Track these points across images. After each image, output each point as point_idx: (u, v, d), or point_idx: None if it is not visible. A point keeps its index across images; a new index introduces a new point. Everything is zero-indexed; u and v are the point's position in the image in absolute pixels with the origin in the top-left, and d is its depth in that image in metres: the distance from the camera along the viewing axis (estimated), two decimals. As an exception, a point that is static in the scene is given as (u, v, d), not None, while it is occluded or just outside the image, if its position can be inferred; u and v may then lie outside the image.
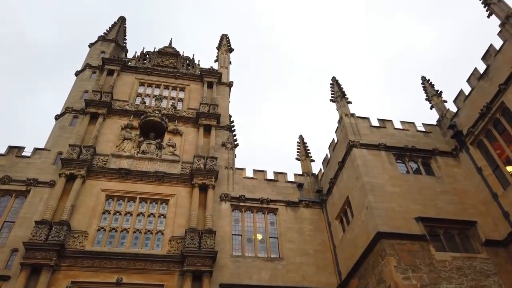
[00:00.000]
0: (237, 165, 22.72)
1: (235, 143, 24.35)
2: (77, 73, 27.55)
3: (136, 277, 16.35)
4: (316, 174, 23.45)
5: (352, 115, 19.92)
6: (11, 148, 20.45)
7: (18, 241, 16.43)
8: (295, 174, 22.94)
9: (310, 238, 19.67)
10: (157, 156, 21.57)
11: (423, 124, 20.14)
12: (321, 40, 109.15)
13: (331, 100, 21.63)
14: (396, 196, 15.83)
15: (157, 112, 23.41)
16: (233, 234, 19.17)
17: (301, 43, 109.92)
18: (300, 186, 22.04)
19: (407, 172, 17.47)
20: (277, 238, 19.54)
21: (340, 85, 22.10)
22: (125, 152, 21.37)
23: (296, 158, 24.96)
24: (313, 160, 24.55)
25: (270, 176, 22.35)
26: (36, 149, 20.73)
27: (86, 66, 27.44)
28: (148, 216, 18.90)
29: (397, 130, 19.52)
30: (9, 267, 15.86)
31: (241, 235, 19.35)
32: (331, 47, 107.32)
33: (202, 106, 24.77)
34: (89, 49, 30.16)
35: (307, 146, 25.48)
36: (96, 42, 30.41)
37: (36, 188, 18.87)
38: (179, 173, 20.70)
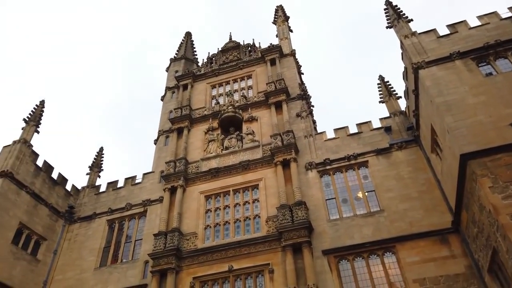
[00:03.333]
0: (319, 129, 22.13)
1: (310, 109, 23.66)
2: (162, 98, 30.70)
3: (244, 261, 17.50)
4: (404, 110, 21.09)
5: (413, 33, 17.23)
6: (126, 179, 24.13)
7: (146, 254, 19.36)
8: (380, 119, 21.07)
9: (411, 180, 17.85)
10: (239, 147, 22.55)
11: (509, 8, 16.15)
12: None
13: (387, 27, 19.14)
14: (481, 106, 13.18)
15: (230, 107, 24.41)
16: (326, 200, 18.77)
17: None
18: (387, 129, 20.16)
19: (493, 73, 14.32)
20: (374, 191, 18.33)
21: (395, 6, 19.35)
22: (212, 153, 22.94)
23: (380, 101, 22.85)
24: (400, 97, 22.09)
25: (353, 130, 21.03)
26: (144, 174, 23.98)
27: (166, 89, 30.34)
28: (244, 204, 19.96)
29: (473, 29, 16.10)
30: (146, 277, 18.86)
31: (334, 198, 18.79)
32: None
33: (269, 86, 24.77)
34: (166, 73, 33.24)
35: (389, 84, 23.03)
36: (169, 65, 33.29)
37: (151, 206, 21.89)
38: (261, 156, 21.24)
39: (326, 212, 18.19)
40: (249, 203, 19.94)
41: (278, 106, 23.57)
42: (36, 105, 23.94)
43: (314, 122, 25.53)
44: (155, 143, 27.18)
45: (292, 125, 22.28)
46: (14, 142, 21.56)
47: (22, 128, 22.56)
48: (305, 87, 27.66)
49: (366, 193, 18.43)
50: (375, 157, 19.36)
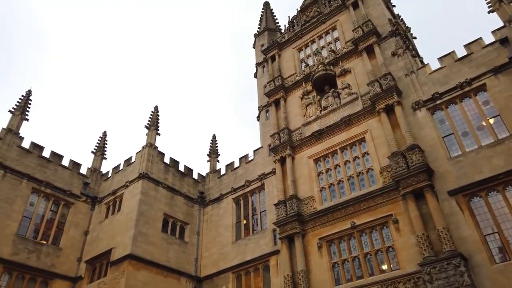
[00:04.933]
0: (425, 60, 20.01)
1: (407, 44, 21.49)
2: (255, 76, 31.51)
3: (365, 216, 17.34)
4: (523, 12, 17.57)
5: None
6: (240, 159, 25.82)
7: (272, 224, 20.68)
8: (492, 32, 18.00)
9: (546, 93, 15.04)
10: (337, 104, 21.96)
11: None
12: None
13: None
14: None
15: (320, 66, 23.75)
16: (443, 137, 17.15)
17: None
18: (504, 41, 17.15)
19: None
20: (499, 115, 16.01)
21: None
22: (311, 116, 22.86)
23: (489, 11, 19.39)
24: (514, -1, 18.44)
25: (461, 52, 18.51)
26: (254, 151, 25.31)
27: (256, 66, 31.00)
28: (354, 160, 19.57)
29: None
30: (276, 243, 20.22)
31: (452, 133, 17.03)
32: None
33: (355, 32, 23.24)
34: (254, 50, 33.82)
35: (498, -13, 19.34)
36: (254, 41, 33.76)
37: (266, 179, 23.12)
38: (362, 108, 20.36)
39: (445, 151, 16.67)
40: (358, 158, 19.47)
41: (370, 50, 22.04)
42: (152, 112, 27.06)
43: (416, 55, 23.08)
44: (258, 120, 28.27)
45: (389, 66, 20.68)
46: (143, 147, 24.93)
47: (146, 134, 25.87)
48: (399, 20, 25.14)
49: (490, 120, 16.23)
50: (494, 78, 16.79)
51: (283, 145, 22.30)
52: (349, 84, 22.11)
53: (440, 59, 19.09)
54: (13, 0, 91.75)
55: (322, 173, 20.41)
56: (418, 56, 25.05)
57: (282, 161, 22.12)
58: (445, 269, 13.58)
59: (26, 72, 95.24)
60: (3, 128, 22.38)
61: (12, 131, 22.62)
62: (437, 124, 17.62)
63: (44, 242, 21.65)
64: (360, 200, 17.70)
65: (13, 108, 23.66)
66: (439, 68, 18.82)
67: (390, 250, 16.26)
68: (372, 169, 18.49)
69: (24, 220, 21.25)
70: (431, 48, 71.86)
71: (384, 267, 16.15)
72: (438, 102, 17.93)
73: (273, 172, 22.77)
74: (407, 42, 22.04)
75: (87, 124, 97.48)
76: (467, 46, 18.45)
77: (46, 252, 21.23)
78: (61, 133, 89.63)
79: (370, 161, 18.85)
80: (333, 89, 22.82)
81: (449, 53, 18.86)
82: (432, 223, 15.03)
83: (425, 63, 21.50)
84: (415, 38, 27.35)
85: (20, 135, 22.96)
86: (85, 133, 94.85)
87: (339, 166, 19.90)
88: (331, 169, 20.17)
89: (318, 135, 21.31)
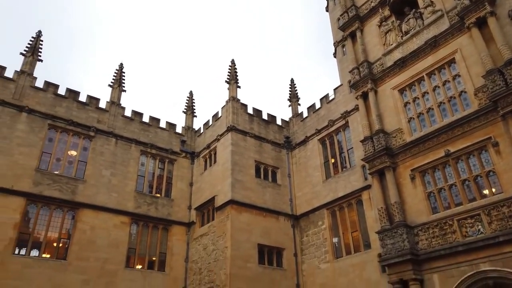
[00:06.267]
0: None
1: None
2: (327, 10, 30.06)
3: (460, 142, 16.51)
4: None
5: None
6: (321, 99, 25.71)
7: (360, 160, 20.80)
8: None
9: None
10: (420, 26, 20.24)
11: None
12: None
13: None
14: None
15: (396, -14, 21.83)
16: (549, 44, 15.01)
17: None
18: None
19: None
20: None
21: None
22: (392, 44, 21.49)
23: None
24: None
25: None
26: (334, 90, 24.96)
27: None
28: (443, 84, 18.31)
29: None
30: (366, 178, 20.45)
31: (562, 38, 14.79)
32: None
33: None
34: (322, -17, 31.86)
35: None
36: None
37: (350, 117, 22.91)
38: (449, 25, 18.54)
39: (552, 60, 14.68)
40: (448, 81, 18.14)
41: (453, -43, 19.42)
42: (230, 66, 27.93)
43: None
44: (334, 57, 27.41)
45: (478, -28, 18.13)
46: (226, 101, 26.25)
47: (228, 88, 27.04)
48: None
49: None
50: None
51: (363, 80, 21.62)
52: (432, 1, 20.06)
53: (544, -50, 16.16)
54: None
55: (409, 103, 19.55)
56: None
57: (365, 96, 21.58)
58: (556, 189, 12.63)
59: (109, 47, 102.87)
60: (107, 101, 25.38)
61: (115, 103, 25.55)
62: (542, 30, 15.42)
63: (158, 195, 24.94)
64: (454, 126, 16.78)
65: (111, 82, 26.43)
66: (544, -38, 16.01)
67: (490, 175, 15.50)
68: (465, 92, 17.18)
69: (139, 179, 24.55)
70: None
71: (486, 191, 15.54)
72: (543, 3, 15.51)
73: (356, 108, 22.42)
74: None
75: (170, 86, 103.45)
76: None
77: (162, 203, 24.52)
78: (148, 97, 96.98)
79: (462, 83, 17.48)
80: (414, 10, 20.97)
81: None
82: (539, 142, 13.81)
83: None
84: None
85: (122, 105, 25.85)
86: (170, 95, 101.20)
87: (427, 93, 18.82)
88: (418, 98, 19.19)
89: (401, 63, 20.15)
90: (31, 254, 19.29)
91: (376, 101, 20.87)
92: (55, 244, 20.28)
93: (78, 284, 19.50)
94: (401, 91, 20.08)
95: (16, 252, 18.89)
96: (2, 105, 21.05)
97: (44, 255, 19.64)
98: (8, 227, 18.80)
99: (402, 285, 16.27)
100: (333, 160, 23.82)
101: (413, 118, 19.10)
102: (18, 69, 22.59)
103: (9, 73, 22.13)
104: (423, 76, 19.11)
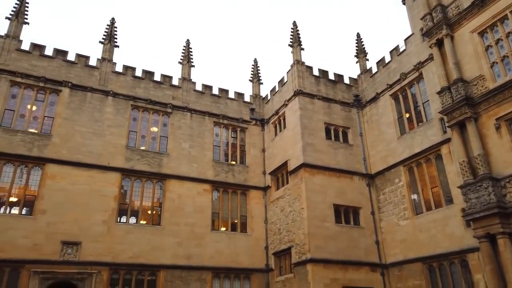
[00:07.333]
0: None
1: None
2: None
3: (554, 84, 14.83)
4: None
5: None
6: (391, 52, 24.39)
7: (437, 113, 19.71)
8: None
9: None
10: (502, -44, 17.94)
11: None
12: None
13: None
14: None
15: None
16: None
17: None
18: None
19: None
20: None
21: None
22: (469, -18, 19.43)
23: None
24: None
25: None
26: (405, 40, 23.48)
27: None
28: (533, 20, 16.31)
29: None
30: (445, 131, 19.42)
31: None
32: None
33: None
34: None
35: None
36: None
37: (424, 68, 21.60)
38: (539, -50, 16.19)
39: None
40: (539, 16, 16.11)
41: None
42: (292, 28, 27.48)
43: None
44: (403, 3, 25.49)
45: None
46: (291, 65, 26.17)
47: (291, 52, 26.82)
48: None
49: None
50: None
51: (438, 25, 20.01)
52: None
53: None
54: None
55: (491, 46, 17.82)
56: None
57: (439, 43, 20.04)
58: None
59: (173, 25, 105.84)
60: (179, 78, 26.85)
61: (186, 79, 26.93)
62: None
63: (234, 162, 26.32)
64: (546, 67, 15.10)
65: (180, 59, 27.75)
66: None
67: None
68: (560, 26, 15.19)
69: (215, 148, 26.06)
70: None
71: None
72: None
73: (430, 58, 21.00)
74: None
75: (233, 55, 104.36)
76: None
77: (238, 170, 25.88)
78: (214, 69, 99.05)
79: (556, 16, 15.43)
80: None
81: None
82: None
83: None
84: None
85: (192, 80, 27.16)
86: (234, 64, 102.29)
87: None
88: (502, 39, 17.40)
89: (481, 3, 18.23)
90: (130, 222, 21.94)
91: (453, 47, 19.31)
92: (149, 212, 22.78)
93: (174, 246, 21.88)
94: (482, 34, 18.32)
95: (119, 220, 21.61)
96: (91, 92, 23.48)
97: (141, 222, 22.23)
98: (110, 199, 21.51)
99: (488, 239, 15.68)
100: (407, 115, 22.89)
101: (496, 63, 17.45)
102: (100, 57, 24.78)
103: (92, 62, 24.42)
104: (506, 15, 17.18)
